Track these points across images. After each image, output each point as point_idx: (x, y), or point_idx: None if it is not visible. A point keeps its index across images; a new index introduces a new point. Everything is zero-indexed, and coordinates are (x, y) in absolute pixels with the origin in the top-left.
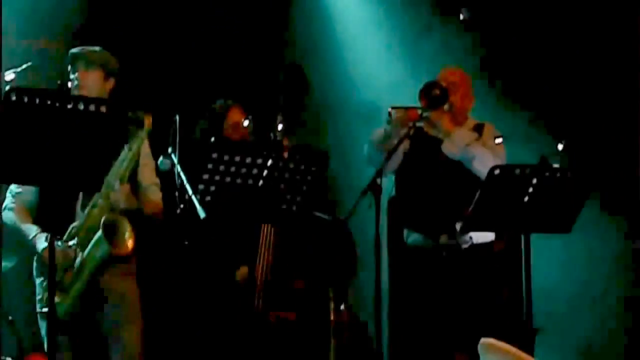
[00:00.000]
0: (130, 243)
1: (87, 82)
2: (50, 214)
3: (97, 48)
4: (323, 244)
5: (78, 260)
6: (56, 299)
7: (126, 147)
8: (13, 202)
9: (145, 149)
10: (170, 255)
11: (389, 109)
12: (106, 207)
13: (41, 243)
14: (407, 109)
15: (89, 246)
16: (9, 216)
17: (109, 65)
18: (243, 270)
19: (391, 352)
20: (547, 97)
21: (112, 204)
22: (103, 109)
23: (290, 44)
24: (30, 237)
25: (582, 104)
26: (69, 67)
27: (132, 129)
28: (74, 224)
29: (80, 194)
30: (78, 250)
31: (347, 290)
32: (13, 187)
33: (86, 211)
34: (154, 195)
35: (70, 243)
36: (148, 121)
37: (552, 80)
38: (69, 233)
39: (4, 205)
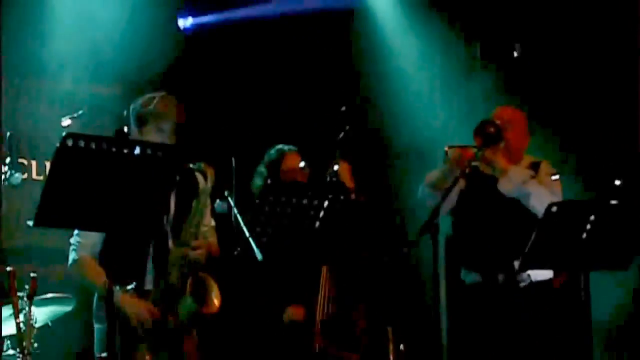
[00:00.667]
0: (217, 301)
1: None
2: (117, 263)
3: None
4: (384, 283)
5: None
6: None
7: (195, 201)
8: (78, 253)
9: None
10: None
11: (445, 148)
12: (185, 264)
13: (124, 306)
14: (462, 147)
15: (180, 305)
16: (79, 270)
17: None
18: (292, 311)
19: None
20: (594, 133)
21: (192, 259)
22: (159, 153)
23: (350, 83)
24: (101, 283)
25: (632, 137)
26: (134, 119)
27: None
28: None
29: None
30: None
31: (407, 330)
32: (77, 238)
33: (168, 272)
34: (211, 237)
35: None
36: (211, 172)
37: (597, 117)
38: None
39: (71, 260)
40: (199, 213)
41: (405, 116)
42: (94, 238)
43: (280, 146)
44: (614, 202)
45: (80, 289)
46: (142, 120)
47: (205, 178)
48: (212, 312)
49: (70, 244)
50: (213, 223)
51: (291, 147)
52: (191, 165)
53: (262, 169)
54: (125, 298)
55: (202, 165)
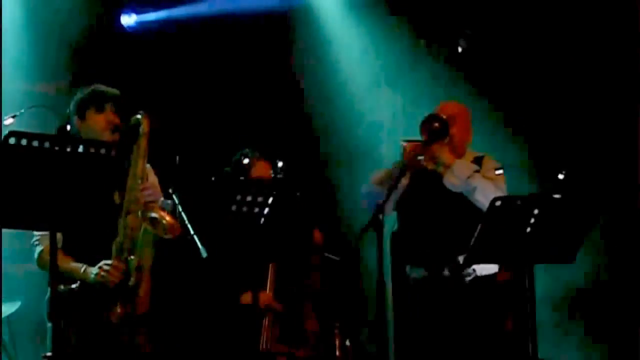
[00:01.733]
0: (175, 225)
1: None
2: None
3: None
4: (332, 282)
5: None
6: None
7: (134, 147)
8: (41, 247)
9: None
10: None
11: (402, 143)
12: (138, 208)
13: (91, 273)
14: (417, 142)
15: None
16: (44, 263)
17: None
18: (248, 296)
19: None
20: (543, 125)
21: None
22: (102, 150)
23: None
24: (81, 271)
25: (579, 132)
26: (74, 109)
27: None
28: (116, 239)
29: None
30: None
31: (353, 326)
32: (36, 232)
33: (121, 222)
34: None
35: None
36: (146, 122)
37: (546, 108)
38: (116, 249)
39: (36, 254)
40: (140, 157)
41: (347, 114)
42: None
43: (249, 151)
44: (557, 196)
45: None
46: (82, 106)
47: (139, 125)
48: (173, 235)
49: (32, 241)
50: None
51: (257, 153)
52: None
53: (229, 171)
54: (88, 269)
55: (139, 115)
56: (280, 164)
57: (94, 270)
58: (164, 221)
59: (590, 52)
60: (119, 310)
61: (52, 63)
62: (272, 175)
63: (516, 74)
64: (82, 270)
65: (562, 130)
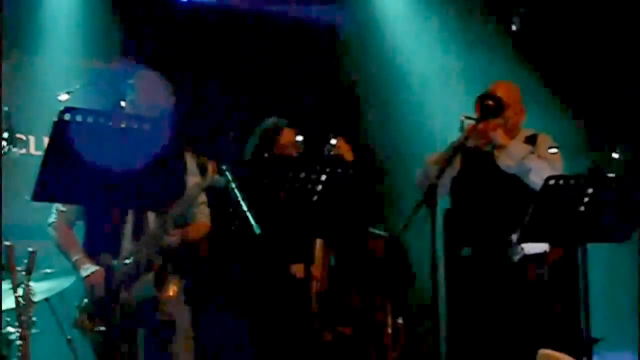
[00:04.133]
0: (173, 292)
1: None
2: (98, 237)
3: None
4: (379, 259)
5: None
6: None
7: (186, 192)
8: (55, 220)
9: (193, 166)
10: (225, 272)
11: (461, 117)
12: (157, 248)
13: (85, 269)
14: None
15: (137, 283)
16: (52, 234)
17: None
18: (299, 267)
19: None
20: (599, 104)
21: (165, 245)
22: (155, 127)
23: (344, 62)
24: (74, 259)
25: (634, 110)
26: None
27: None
28: (127, 260)
29: (130, 224)
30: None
31: (405, 303)
32: (59, 204)
33: (136, 247)
34: (202, 214)
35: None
36: (212, 167)
37: (603, 87)
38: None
39: (48, 222)
40: (186, 204)
41: (402, 95)
42: (73, 207)
43: (275, 119)
44: (611, 175)
45: None
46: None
47: (204, 172)
48: (167, 298)
49: (53, 209)
50: (204, 198)
51: (284, 121)
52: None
53: (255, 140)
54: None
55: (204, 159)
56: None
57: (89, 269)
58: (169, 287)
59: None
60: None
61: (103, 38)
62: (325, 152)
63: (572, 54)
64: (76, 257)
65: (616, 108)
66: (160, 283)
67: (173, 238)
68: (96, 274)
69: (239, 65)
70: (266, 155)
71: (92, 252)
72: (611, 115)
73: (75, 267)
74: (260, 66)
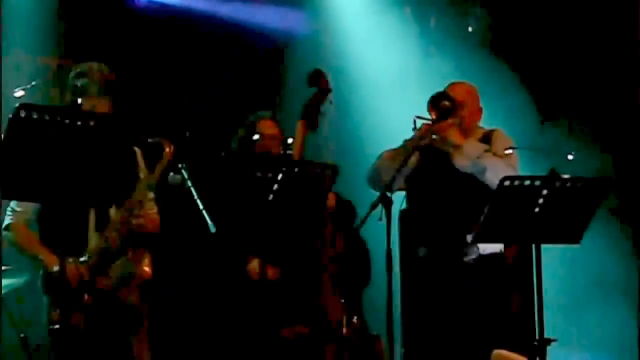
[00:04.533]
0: (148, 269)
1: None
2: (58, 232)
3: (102, 67)
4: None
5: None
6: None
7: (146, 172)
8: (11, 221)
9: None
10: (178, 268)
11: (415, 118)
12: (125, 228)
13: (56, 265)
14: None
15: (115, 268)
16: (10, 236)
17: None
18: (254, 263)
19: None
20: (555, 107)
21: (135, 228)
22: (113, 125)
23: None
24: (40, 257)
25: (592, 112)
26: (77, 83)
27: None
28: (90, 248)
29: (93, 215)
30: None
31: (360, 302)
32: (13, 204)
33: (105, 235)
34: (152, 210)
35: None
36: (169, 149)
37: (560, 88)
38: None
39: (4, 225)
40: (147, 183)
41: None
42: (30, 206)
43: (258, 113)
44: (566, 176)
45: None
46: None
47: (162, 153)
48: (144, 277)
49: (8, 208)
50: (152, 195)
51: (268, 113)
52: (149, 140)
53: (239, 133)
54: (52, 259)
55: (161, 140)
56: (290, 140)
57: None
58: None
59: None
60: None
61: (55, 36)
62: (282, 151)
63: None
64: (46, 256)
65: (574, 110)
66: (137, 260)
67: (140, 220)
68: (70, 268)
69: (190, 65)
70: (222, 153)
71: (54, 248)
72: (568, 117)
73: (44, 265)
74: (216, 64)
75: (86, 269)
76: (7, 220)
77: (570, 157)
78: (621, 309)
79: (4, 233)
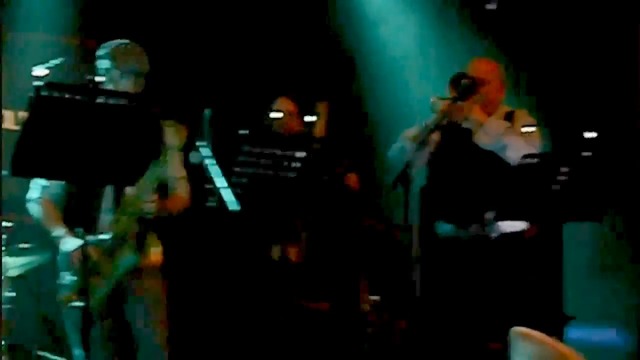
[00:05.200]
0: (156, 257)
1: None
2: (75, 211)
3: (134, 46)
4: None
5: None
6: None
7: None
8: (40, 195)
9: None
10: (199, 248)
11: (432, 99)
12: (137, 214)
13: (65, 244)
14: (448, 99)
15: (119, 254)
16: (35, 209)
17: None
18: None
19: (423, 343)
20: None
21: (144, 212)
22: (134, 103)
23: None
24: (54, 234)
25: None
26: (105, 61)
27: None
28: (104, 236)
29: (109, 197)
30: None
31: (381, 280)
32: (40, 180)
33: (115, 217)
34: (182, 189)
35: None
36: (182, 131)
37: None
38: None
39: (28, 197)
40: (161, 166)
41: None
42: (56, 183)
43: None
44: (586, 154)
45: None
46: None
47: (175, 135)
48: (150, 265)
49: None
50: (185, 173)
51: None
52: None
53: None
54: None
55: (173, 123)
56: (313, 118)
57: (75, 243)
58: (151, 253)
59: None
60: None
61: (79, 15)
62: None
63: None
64: (59, 234)
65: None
66: (141, 249)
67: (150, 204)
68: (81, 249)
69: (224, 34)
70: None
71: (71, 227)
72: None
73: (59, 242)
74: (246, 36)
75: (98, 251)
76: (34, 194)
77: (589, 135)
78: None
79: (28, 205)
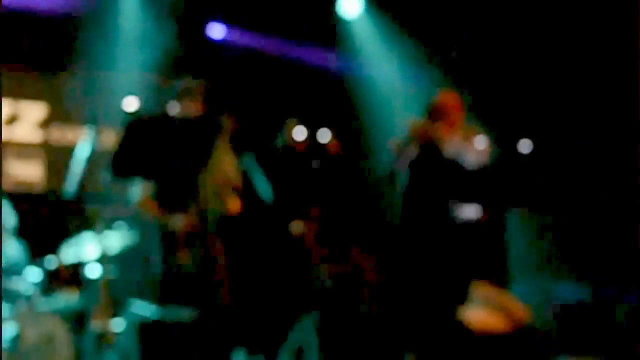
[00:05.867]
0: (235, 206)
1: (190, 110)
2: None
3: (194, 81)
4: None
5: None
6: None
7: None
8: (141, 196)
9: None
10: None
11: (409, 120)
12: (216, 180)
13: (179, 219)
14: (419, 122)
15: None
16: (142, 208)
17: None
18: (298, 224)
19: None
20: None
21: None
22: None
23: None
24: (163, 219)
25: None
26: (174, 96)
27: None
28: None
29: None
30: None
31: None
32: (140, 185)
33: (202, 192)
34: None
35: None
36: (229, 122)
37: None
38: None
39: (133, 194)
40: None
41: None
42: (149, 184)
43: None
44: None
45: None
46: (180, 95)
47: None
48: (234, 213)
49: (133, 188)
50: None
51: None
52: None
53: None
54: (167, 217)
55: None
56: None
57: (180, 219)
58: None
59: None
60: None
61: (164, 56)
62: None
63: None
64: (167, 217)
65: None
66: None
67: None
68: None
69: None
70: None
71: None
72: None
73: (161, 223)
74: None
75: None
76: (136, 191)
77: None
78: None
79: (138, 205)
